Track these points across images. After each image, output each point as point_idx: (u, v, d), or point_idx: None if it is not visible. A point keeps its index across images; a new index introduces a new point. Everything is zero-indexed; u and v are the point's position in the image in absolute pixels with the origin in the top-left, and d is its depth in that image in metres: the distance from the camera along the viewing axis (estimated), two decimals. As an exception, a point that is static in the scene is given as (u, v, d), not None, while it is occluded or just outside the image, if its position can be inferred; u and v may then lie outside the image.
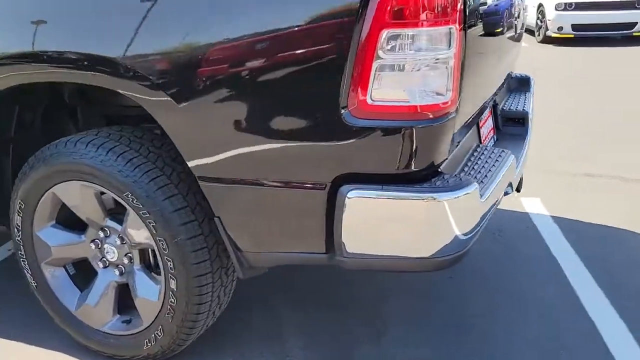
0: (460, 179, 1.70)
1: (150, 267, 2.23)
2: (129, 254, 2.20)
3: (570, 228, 3.36)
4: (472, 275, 2.83)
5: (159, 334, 2.14)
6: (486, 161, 2.03)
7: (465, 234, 1.73)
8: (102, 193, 2.14)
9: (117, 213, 2.21)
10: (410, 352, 2.32)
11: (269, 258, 1.95)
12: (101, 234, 2.22)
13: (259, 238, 1.93)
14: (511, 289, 2.74)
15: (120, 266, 2.24)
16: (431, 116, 1.65)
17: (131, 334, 2.23)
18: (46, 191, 2.19)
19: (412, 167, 1.67)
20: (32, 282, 2.35)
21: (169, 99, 1.81)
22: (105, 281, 2.27)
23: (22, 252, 2.32)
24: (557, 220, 3.46)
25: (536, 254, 3.08)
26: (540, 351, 2.31)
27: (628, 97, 6.58)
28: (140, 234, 2.08)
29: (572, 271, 2.90)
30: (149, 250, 2.21)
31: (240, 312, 2.55)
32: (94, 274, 2.37)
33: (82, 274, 2.40)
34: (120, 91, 1.93)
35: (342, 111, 1.65)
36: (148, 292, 2.16)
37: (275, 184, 1.79)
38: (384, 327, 2.47)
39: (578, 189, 3.95)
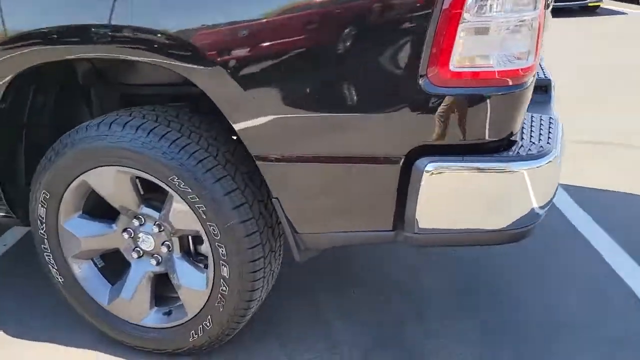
0: (542, 147, 1.65)
1: (190, 255, 2.12)
2: (167, 242, 2.07)
3: (581, 196, 3.40)
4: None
5: (208, 324, 2.03)
6: (541, 128, 1.99)
7: (541, 206, 1.69)
8: (137, 178, 2.01)
9: (152, 199, 2.08)
10: (456, 325, 2.29)
11: (329, 239, 1.86)
12: (135, 223, 2.07)
13: (320, 218, 1.83)
14: (543, 263, 2.74)
15: (156, 255, 2.09)
16: (512, 82, 1.58)
17: (173, 327, 2.11)
18: (74, 179, 2.02)
19: (492, 136, 1.61)
20: (58, 277, 2.18)
21: (228, 73, 1.68)
22: (141, 272, 2.12)
23: (46, 246, 2.15)
24: (566, 188, 3.50)
25: (554, 222, 3.10)
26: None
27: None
28: (185, 221, 1.94)
29: (597, 240, 2.92)
30: (188, 237, 2.10)
31: (278, 298, 2.47)
32: (125, 265, 2.23)
33: (111, 266, 2.26)
34: (174, 68, 1.77)
35: (421, 80, 1.56)
36: (193, 281, 2.03)
37: (344, 159, 1.70)
38: (424, 304, 2.44)
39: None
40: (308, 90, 1.68)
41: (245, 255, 1.91)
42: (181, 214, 1.93)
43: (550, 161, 1.63)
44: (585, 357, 2.12)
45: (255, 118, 1.73)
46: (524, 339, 2.21)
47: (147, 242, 2.09)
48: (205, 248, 2.10)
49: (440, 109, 1.57)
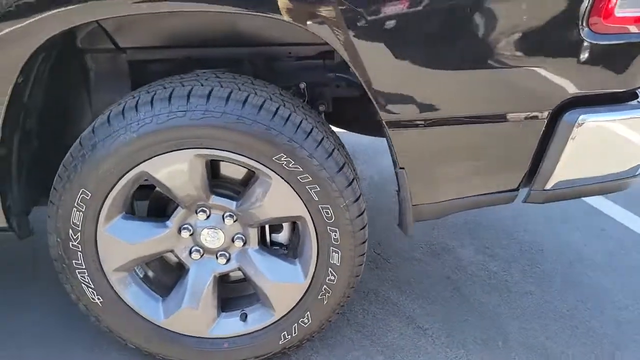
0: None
1: (267, 247, 1.81)
2: (240, 235, 1.73)
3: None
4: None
5: (306, 321, 1.76)
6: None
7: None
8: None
9: (219, 187, 1.72)
10: (542, 307, 2.20)
11: (447, 207, 1.71)
12: (200, 216, 1.69)
13: (444, 186, 1.67)
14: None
15: (225, 252, 1.75)
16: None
17: (254, 332, 1.79)
18: (129, 171, 1.57)
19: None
20: (96, 299, 1.70)
21: (367, 32, 1.45)
22: (205, 274, 1.76)
23: (80, 262, 1.66)
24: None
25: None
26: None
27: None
28: (285, 206, 1.64)
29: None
30: (265, 227, 1.78)
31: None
32: (171, 270, 1.83)
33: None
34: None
35: (582, 29, 1.48)
36: (286, 275, 1.74)
37: (485, 119, 1.56)
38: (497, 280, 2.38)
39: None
40: (453, 46, 1.51)
41: (357, 237, 1.68)
42: (281, 198, 1.63)
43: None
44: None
45: (394, 79, 1.51)
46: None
47: (213, 238, 1.73)
48: (283, 237, 1.83)
49: (599, 58, 1.51)
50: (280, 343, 1.80)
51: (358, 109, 2.14)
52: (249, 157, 1.57)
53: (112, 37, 1.80)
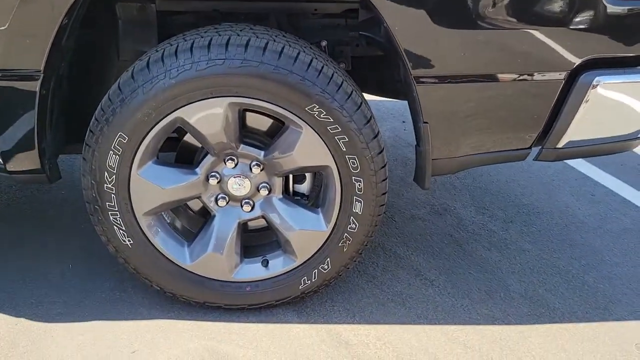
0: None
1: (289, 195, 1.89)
2: (266, 184, 1.81)
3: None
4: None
5: (325, 267, 1.85)
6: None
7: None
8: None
9: (247, 136, 1.79)
10: (539, 263, 2.32)
11: (463, 162, 1.81)
12: (229, 164, 1.76)
13: (463, 141, 1.76)
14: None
15: (249, 200, 1.83)
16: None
17: (275, 276, 1.88)
18: (165, 116, 1.63)
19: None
20: (126, 240, 1.77)
21: None
22: (230, 221, 1.84)
23: (112, 204, 1.72)
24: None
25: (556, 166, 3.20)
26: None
27: None
28: (313, 156, 1.72)
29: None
30: (288, 177, 1.86)
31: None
32: (194, 215, 1.91)
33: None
34: None
35: (603, -7, 1.58)
36: (309, 223, 1.83)
37: (507, 76, 1.65)
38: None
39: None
40: (479, 6, 1.58)
41: (379, 188, 1.77)
42: (309, 148, 1.70)
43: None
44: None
45: (425, 36, 1.59)
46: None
47: (239, 186, 1.80)
48: (305, 187, 1.91)
49: (618, 23, 1.61)
50: (300, 288, 1.90)
51: (374, 69, 2.21)
52: (282, 107, 1.64)
53: None
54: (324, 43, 2.03)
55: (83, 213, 2.38)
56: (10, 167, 1.72)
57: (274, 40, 1.62)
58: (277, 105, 1.63)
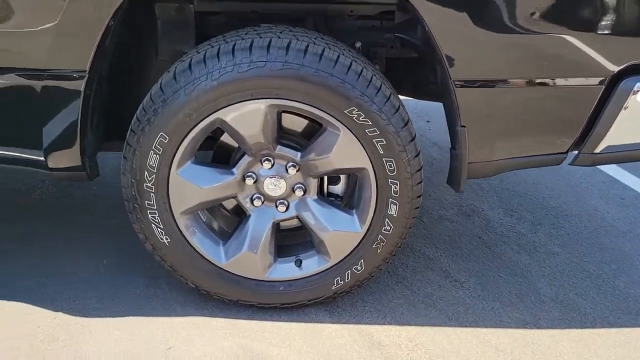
0: None
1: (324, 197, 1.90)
2: (301, 185, 1.82)
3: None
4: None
5: (359, 268, 1.86)
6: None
7: None
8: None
9: (284, 137, 1.80)
10: (569, 267, 2.32)
11: (500, 166, 1.81)
12: (265, 165, 1.78)
13: (500, 145, 1.76)
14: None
15: (284, 200, 1.84)
16: None
17: (309, 276, 1.90)
18: (206, 117, 1.65)
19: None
20: (163, 238, 1.79)
21: None
22: (265, 221, 1.86)
23: (152, 202, 1.74)
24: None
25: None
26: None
27: None
28: (350, 158, 1.73)
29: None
30: (323, 178, 1.87)
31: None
32: (228, 214, 1.93)
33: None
34: None
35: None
36: (343, 224, 1.84)
37: (547, 81, 1.65)
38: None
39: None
40: (521, 11, 1.59)
41: (415, 191, 1.78)
42: (347, 150, 1.72)
43: None
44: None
45: (467, 40, 1.59)
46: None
47: (275, 187, 1.82)
48: (339, 188, 1.92)
49: (660, 30, 1.61)
50: (333, 288, 1.91)
51: (408, 70, 2.22)
52: (321, 109, 1.65)
53: None
54: (358, 44, 2.04)
55: (114, 209, 2.45)
56: (52, 164, 1.75)
57: (314, 43, 1.63)
58: (316, 108, 1.64)
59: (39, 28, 1.54)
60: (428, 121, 3.82)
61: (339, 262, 1.88)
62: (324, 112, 1.65)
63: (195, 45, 1.88)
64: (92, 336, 1.83)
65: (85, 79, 1.60)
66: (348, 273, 1.89)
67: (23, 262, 2.16)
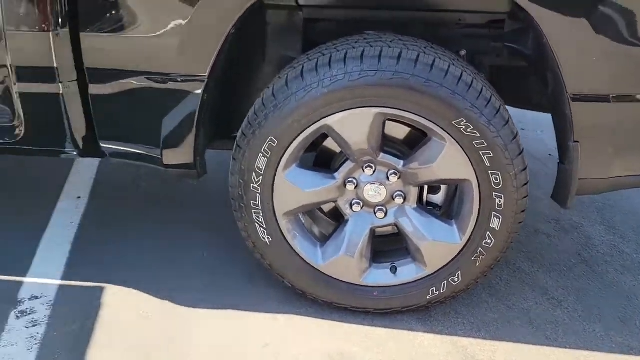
0: None
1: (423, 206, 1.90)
2: (401, 193, 1.83)
3: None
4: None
5: (456, 279, 1.85)
6: None
7: None
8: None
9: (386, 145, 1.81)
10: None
11: (611, 184, 1.75)
12: (367, 171, 1.80)
13: (615, 162, 1.70)
14: None
15: (383, 207, 1.86)
16: None
17: (404, 284, 1.90)
18: (314, 123, 1.69)
19: None
20: (265, 238, 1.86)
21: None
22: (364, 226, 1.88)
23: (257, 203, 1.81)
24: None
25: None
26: None
27: None
28: (454, 169, 1.72)
29: None
30: (423, 187, 1.87)
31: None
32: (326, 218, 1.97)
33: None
34: None
35: None
36: (443, 235, 1.83)
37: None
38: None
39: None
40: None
41: (520, 205, 1.74)
42: (452, 161, 1.71)
43: None
44: None
45: (586, 53, 1.54)
46: None
47: (375, 193, 1.84)
48: (439, 198, 1.91)
49: None
50: (428, 297, 1.91)
51: (513, 79, 2.16)
52: (428, 119, 1.65)
53: None
54: (463, 52, 2.01)
55: (210, 206, 2.54)
56: (167, 160, 1.86)
57: (425, 53, 1.63)
58: (423, 117, 1.64)
59: (167, 36, 1.64)
60: (522, 129, 3.70)
61: (435, 272, 1.87)
62: (431, 122, 1.65)
63: (301, 51, 1.94)
64: (197, 324, 1.92)
65: (205, 83, 1.69)
66: (444, 284, 1.87)
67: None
